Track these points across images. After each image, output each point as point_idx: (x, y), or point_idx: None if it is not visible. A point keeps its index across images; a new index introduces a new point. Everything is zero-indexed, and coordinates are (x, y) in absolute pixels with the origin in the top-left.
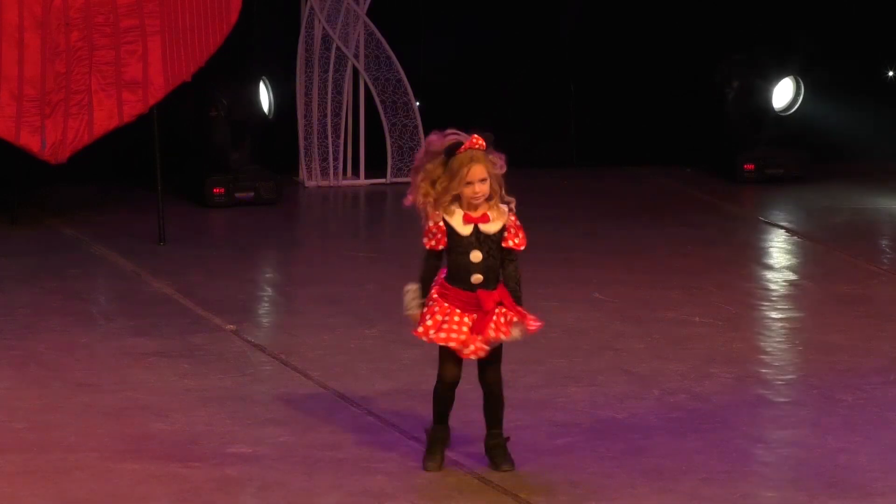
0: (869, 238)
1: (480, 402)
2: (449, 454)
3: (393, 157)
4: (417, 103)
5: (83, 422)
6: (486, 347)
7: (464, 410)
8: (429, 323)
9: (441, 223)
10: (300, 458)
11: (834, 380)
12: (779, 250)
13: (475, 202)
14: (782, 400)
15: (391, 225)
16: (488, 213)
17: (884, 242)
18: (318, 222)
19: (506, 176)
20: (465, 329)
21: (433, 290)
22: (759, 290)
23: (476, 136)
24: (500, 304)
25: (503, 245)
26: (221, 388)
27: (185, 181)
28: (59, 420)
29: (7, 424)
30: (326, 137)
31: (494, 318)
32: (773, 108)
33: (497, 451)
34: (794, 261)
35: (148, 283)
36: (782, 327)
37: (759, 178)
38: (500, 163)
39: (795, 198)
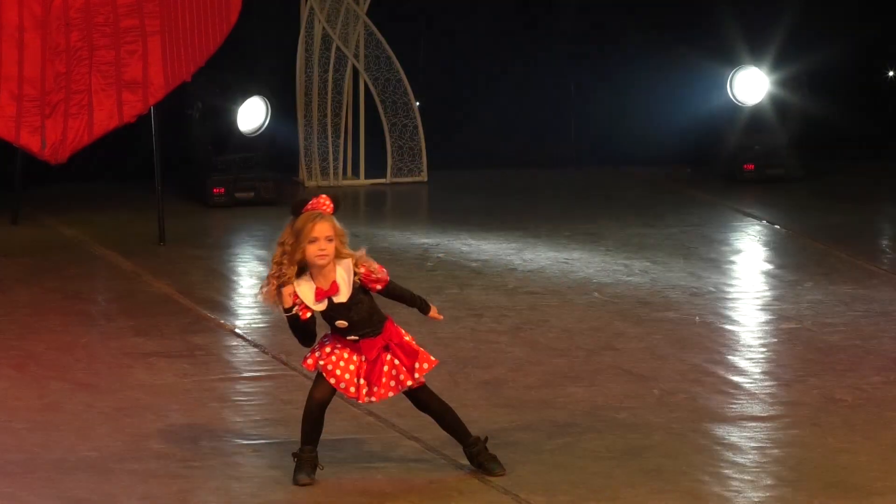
0: (869, 238)
1: (479, 402)
2: (449, 454)
3: (393, 157)
4: (417, 103)
5: (83, 422)
6: (374, 399)
7: (463, 410)
8: (317, 354)
9: (296, 297)
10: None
11: (834, 380)
12: (778, 250)
13: (319, 262)
14: (782, 400)
15: (391, 225)
16: (336, 279)
17: (884, 242)
18: None
19: (505, 176)
20: (351, 368)
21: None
22: (758, 290)
23: (323, 196)
24: (387, 348)
25: (374, 291)
26: (221, 388)
27: (185, 181)
28: (59, 420)
29: (7, 424)
30: (326, 137)
31: (385, 369)
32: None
33: (483, 457)
34: (793, 261)
35: (148, 283)
36: (782, 327)
37: (759, 178)
38: (346, 232)
39: (795, 198)
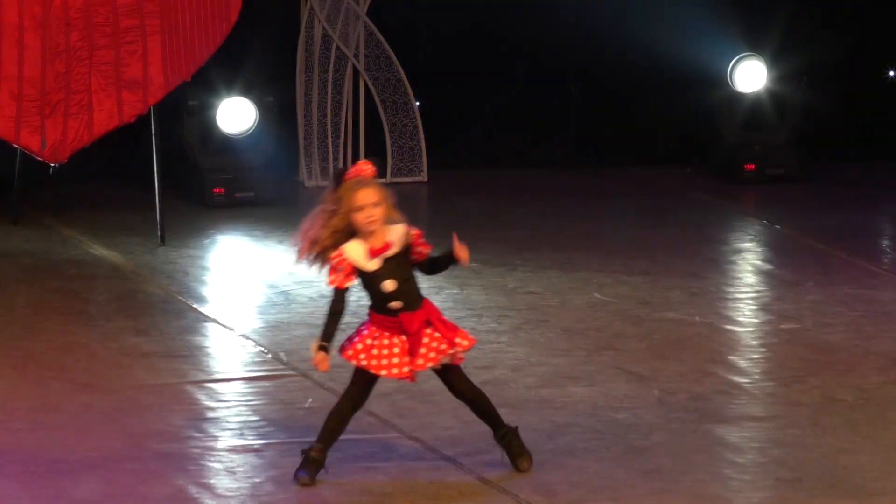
0: (869, 238)
1: None
2: (449, 454)
3: (393, 157)
4: (417, 103)
5: (83, 422)
6: (418, 371)
7: (463, 410)
8: (359, 347)
9: (344, 259)
10: (300, 458)
11: (834, 380)
12: (778, 250)
13: (370, 228)
14: (782, 400)
15: None
16: (387, 239)
17: (884, 242)
18: None
19: (500, 177)
20: (395, 350)
21: (363, 325)
22: (758, 290)
23: (364, 161)
24: (429, 322)
25: (419, 259)
26: (221, 388)
27: (185, 181)
28: (59, 420)
29: (7, 424)
30: (326, 137)
31: (425, 341)
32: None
33: (514, 445)
34: (793, 261)
35: (148, 283)
36: (782, 327)
37: (759, 178)
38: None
39: (795, 198)
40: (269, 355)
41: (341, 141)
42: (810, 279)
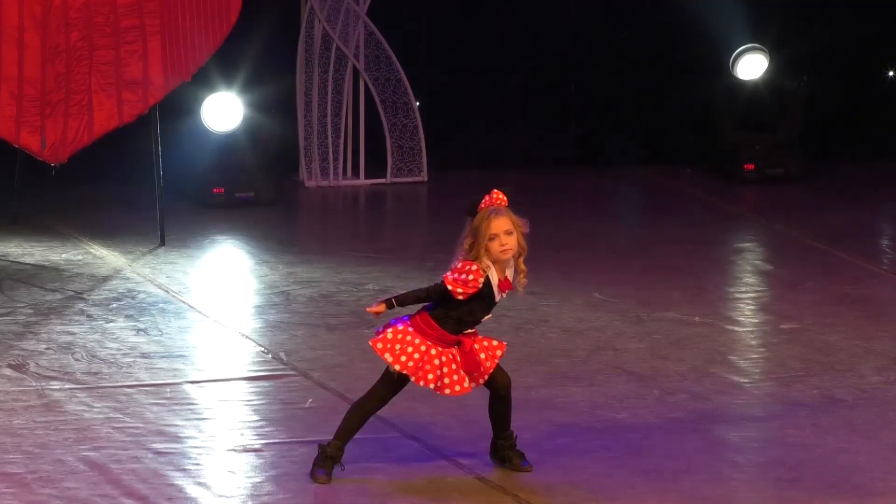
0: (868, 238)
1: (479, 402)
2: (449, 454)
3: (393, 157)
4: (417, 103)
5: (83, 422)
6: (482, 381)
7: (463, 410)
8: (426, 368)
9: (480, 283)
10: (300, 458)
11: (834, 380)
12: (778, 250)
13: (504, 257)
14: (782, 400)
15: (391, 225)
16: (509, 277)
17: (884, 242)
18: (318, 222)
19: (505, 176)
20: (454, 367)
21: (410, 322)
22: (758, 290)
23: (496, 190)
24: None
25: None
26: (221, 389)
27: (185, 181)
28: (59, 420)
29: (7, 424)
30: (326, 137)
31: (482, 356)
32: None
33: (513, 453)
34: (793, 261)
35: (148, 283)
36: (782, 327)
37: (759, 178)
38: (523, 221)
39: (795, 198)
40: (269, 355)
41: (341, 141)
42: (810, 279)
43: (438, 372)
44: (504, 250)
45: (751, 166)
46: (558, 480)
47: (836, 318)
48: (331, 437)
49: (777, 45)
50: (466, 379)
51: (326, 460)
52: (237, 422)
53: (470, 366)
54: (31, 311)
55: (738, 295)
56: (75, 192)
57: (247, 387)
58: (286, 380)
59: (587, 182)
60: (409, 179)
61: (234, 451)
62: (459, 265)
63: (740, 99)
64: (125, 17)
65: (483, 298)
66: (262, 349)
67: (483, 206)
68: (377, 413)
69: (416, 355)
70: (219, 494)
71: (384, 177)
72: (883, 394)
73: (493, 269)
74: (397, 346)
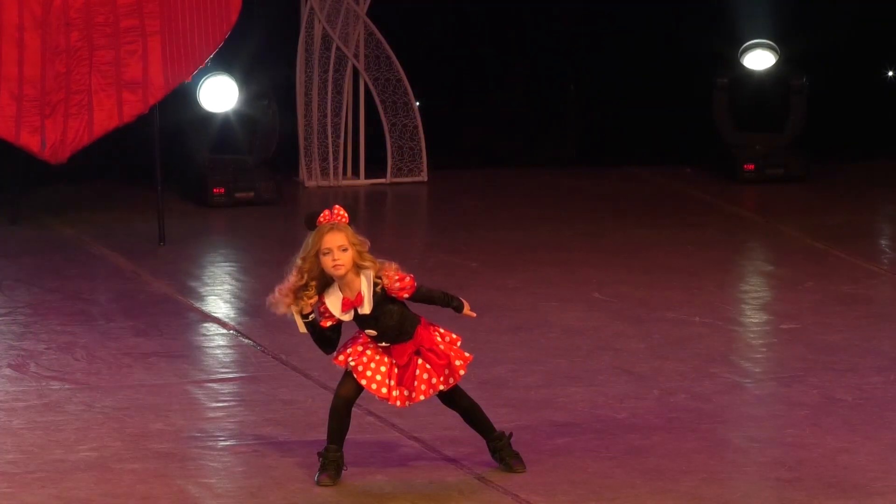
0: (869, 238)
1: (478, 401)
2: (449, 454)
3: (393, 157)
4: (417, 103)
5: (83, 422)
6: (408, 404)
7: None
8: (348, 351)
9: (327, 309)
10: (300, 458)
11: (834, 380)
12: (778, 250)
13: (337, 273)
14: (782, 400)
15: (391, 225)
16: (361, 290)
17: (883, 242)
18: None
19: (505, 176)
20: (382, 369)
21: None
22: (758, 290)
23: (337, 206)
24: (419, 353)
25: (401, 298)
26: (221, 388)
27: (185, 181)
28: (59, 420)
29: (7, 424)
30: (326, 137)
31: (418, 373)
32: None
33: (506, 453)
34: (793, 261)
35: (148, 283)
36: (782, 327)
37: (759, 178)
38: (362, 240)
39: (795, 198)
40: (269, 355)
41: (341, 141)
42: (810, 279)
43: (366, 359)
44: (336, 265)
45: (751, 166)
46: (558, 480)
47: (836, 318)
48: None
49: (782, 42)
50: (395, 390)
51: (329, 464)
52: (237, 422)
53: (405, 380)
54: (30, 311)
55: (738, 295)
56: (75, 192)
57: (247, 387)
58: (286, 380)
59: (587, 182)
60: (409, 179)
61: (235, 451)
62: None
63: (742, 98)
64: (125, 18)
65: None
66: (262, 349)
67: (321, 220)
68: (373, 411)
69: (358, 349)
70: (219, 494)
71: (384, 177)
72: (883, 394)
73: (334, 292)
74: (348, 348)
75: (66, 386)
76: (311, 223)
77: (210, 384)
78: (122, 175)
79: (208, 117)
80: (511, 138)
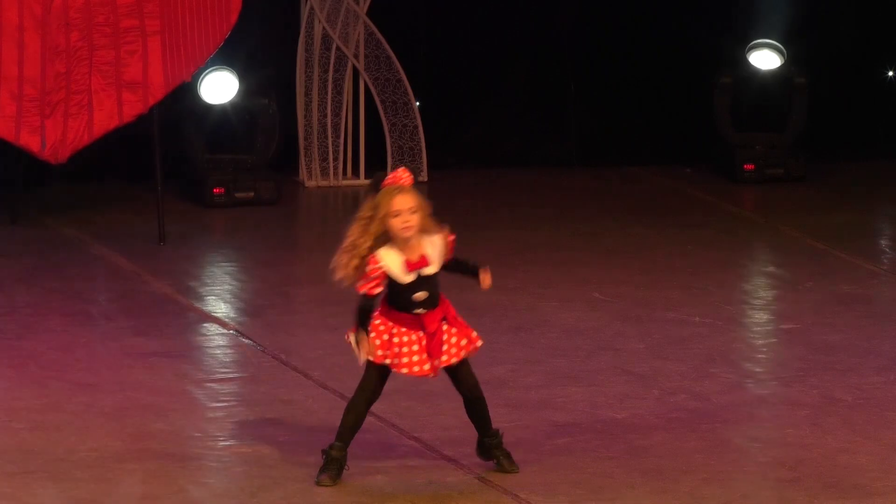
0: (869, 238)
1: None
2: (449, 454)
3: (393, 157)
4: (417, 103)
5: (83, 422)
6: (440, 368)
7: (463, 410)
8: (377, 343)
9: (380, 269)
10: (300, 458)
11: (834, 380)
12: (778, 250)
13: (405, 234)
14: (782, 400)
15: None
16: (424, 252)
17: (884, 242)
18: (318, 222)
19: (505, 176)
20: (415, 348)
21: (374, 316)
22: (758, 290)
23: (403, 168)
24: (445, 320)
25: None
26: (221, 388)
27: (185, 181)
28: (59, 420)
29: (7, 424)
30: (326, 137)
31: (445, 338)
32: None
33: (499, 452)
34: (793, 261)
35: (148, 283)
36: (782, 327)
37: (759, 178)
38: (428, 203)
39: (795, 198)
40: (269, 355)
41: (341, 141)
42: (810, 279)
43: (395, 349)
44: (406, 227)
45: (751, 166)
46: (558, 480)
47: (836, 318)
48: (332, 440)
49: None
50: (428, 363)
51: (331, 463)
52: (237, 422)
53: (433, 349)
54: (31, 309)
55: (738, 295)
56: (75, 192)
57: (247, 387)
58: (286, 380)
59: (587, 182)
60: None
61: (235, 451)
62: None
63: (742, 98)
64: (125, 18)
65: (398, 285)
66: (262, 349)
67: (387, 182)
68: (373, 411)
69: (377, 341)
70: (219, 494)
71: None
72: (883, 394)
73: (392, 254)
74: (376, 340)
75: (66, 386)
76: (377, 185)
77: (210, 384)
78: (122, 175)
79: (208, 115)
80: (511, 138)
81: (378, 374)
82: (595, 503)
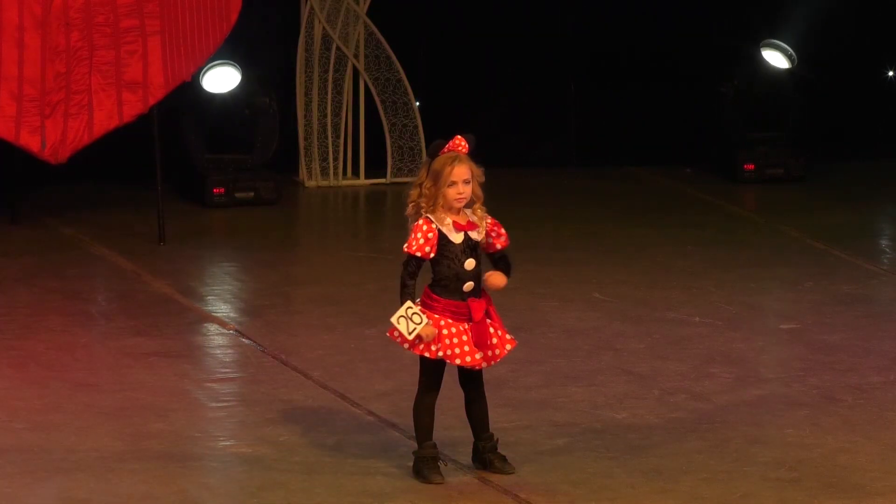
0: (869, 238)
1: None
2: (448, 454)
3: (393, 157)
4: (417, 103)
5: (83, 422)
6: (493, 362)
7: (463, 411)
8: (432, 346)
9: (433, 230)
10: (300, 458)
11: (834, 380)
12: (778, 250)
13: (458, 205)
14: (782, 400)
15: (391, 225)
16: (471, 219)
17: (884, 242)
18: (318, 222)
19: (505, 176)
20: (464, 339)
21: (419, 303)
22: (758, 290)
23: (459, 136)
24: (488, 315)
25: (492, 248)
26: (221, 388)
27: (184, 181)
28: (59, 420)
29: (7, 424)
30: (326, 137)
31: (492, 331)
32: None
33: (496, 455)
34: (793, 261)
35: (148, 283)
36: (782, 327)
37: (759, 178)
38: (481, 171)
39: (795, 198)
40: (269, 355)
41: (341, 141)
42: (810, 279)
43: (447, 341)
44: (459, 198)
45: (751, 166)
46: (558, 480)
47: (836, 318)
48: (414, 443)
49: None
50: (478, 352)
51: (428, 461)
52: (237, 422)
53: (481, 338)
54: (31, 309)
55: (738, 295)
56: (75, 192)
57: (247, 387)
58: (286, 380)
59: (587, 182)
60: (409, 179)
61: (235, 451)
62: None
63: (742, 97)
64: (125, 18)
65: (449, 251)
66: (262, 349)
67: (446, 150)
68: (373, 411)
69: (447, 338)
70: (219, 494)
71: (384, 177)
72: (883, 394)
73: (445, 219)
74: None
75: (66, 386)
76: (435, 152)
77: (210, 384)
78: (122, 175)
79: (208, 114)
80: (511, 138)
81: (435, 369)
82: (595, 503)
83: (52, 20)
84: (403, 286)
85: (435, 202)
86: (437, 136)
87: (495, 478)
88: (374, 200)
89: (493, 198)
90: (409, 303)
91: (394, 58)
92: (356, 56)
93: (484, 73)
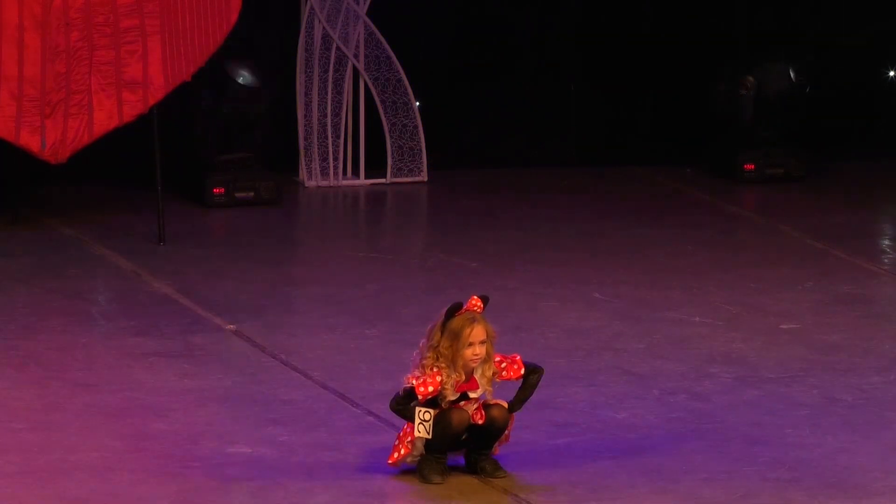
0: (869, 238)
1: None
2: (448, 454)
3: (393, 157)
4: (417, 103)
5: (83, 422)
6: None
7: None
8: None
9: (439, 382)
10: (300, 458)
11: (834, 380)
12: (778, 250)
13: (473, 364)
14: (782, 400)
15: (391, 225)
16: (475, 376)
17: (884, 242)
18: (318, 222)
19: (505, 176)
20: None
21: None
22: (758, 290)
23: (475, 297)
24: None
25: (510, 379)
26: (221, 388)
27: (185, 181)
28: (59, 420)
29: (7, 424)
30: (326, 137)
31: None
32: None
33: (488, 461)
34: (793, 261)
35: (148, 283)
36: (782, 327)
37: (759, 178)
38: (495, 331)
39: (795, 198)
40: (269, 355)
41: (341, 141)
42: (810, 279)
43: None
44: (475, 358)
45: (751, 166)
46: (558, 480)
47: (836, 318)
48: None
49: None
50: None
51: (432, 461)
52: (238, 422)
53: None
54: (31, 309)
55: (738, 295)
56: (75, 192)
57: (247, 387)
58: (286, 380)
59: (587, 182)
60: (409, 179)
61: (235, 451)
62: (420, 372)
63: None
64: (125, 18)
65: (441, 396)
66: (262, 349)
67: (463, 311)
68: (373, 411)
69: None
70: (219, 494)
71: (384, 177)
72: (883, 394)
73: (452, 378)
74: (407, 440)
75: (66, 386)
76: (453, 313)
77: (210, 384)
78: (122, 175)
79: (208, 114)
80: (511, 138)
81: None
82: (595, 503)
83: (52, 20)
84: (403, 409)
85: (454, 363)
86: (437, 136)
87: (496, 479)
88: (374, 200)
89: (494, 198)
90: (416, 408)
91: (394, 58)
92: (356, 56)
93: (484, 72)
